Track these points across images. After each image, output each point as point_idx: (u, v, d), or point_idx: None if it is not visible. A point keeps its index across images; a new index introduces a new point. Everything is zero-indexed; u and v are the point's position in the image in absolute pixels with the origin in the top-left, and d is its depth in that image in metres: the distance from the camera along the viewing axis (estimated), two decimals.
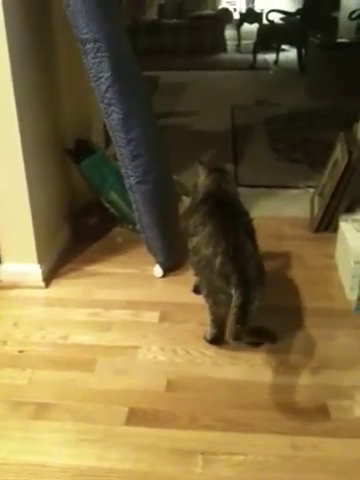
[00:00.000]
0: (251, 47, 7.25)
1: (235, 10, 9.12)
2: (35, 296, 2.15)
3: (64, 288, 2.20)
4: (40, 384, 1.69)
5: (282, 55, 7.40)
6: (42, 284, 2.19)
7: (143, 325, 1.96)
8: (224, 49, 8.36)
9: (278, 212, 2.83)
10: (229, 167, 2.14)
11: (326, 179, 2.72)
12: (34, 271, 2.18)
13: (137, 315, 2.02)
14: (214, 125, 4.48)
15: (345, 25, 6.10)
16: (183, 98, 5.55)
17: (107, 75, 1.90)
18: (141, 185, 2.07)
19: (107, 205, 2.55)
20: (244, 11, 8.96)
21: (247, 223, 1.80)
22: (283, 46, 7.54)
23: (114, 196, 2.51)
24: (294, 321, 1.94)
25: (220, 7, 8.91)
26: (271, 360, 1.76)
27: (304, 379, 1.68)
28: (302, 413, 1.55)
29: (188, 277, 2.06)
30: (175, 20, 8.39)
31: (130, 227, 2.57)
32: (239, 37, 8.63)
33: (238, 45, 8.60)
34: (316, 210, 2.68)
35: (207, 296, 1.74)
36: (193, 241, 1.77)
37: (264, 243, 1.86)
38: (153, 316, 2.00)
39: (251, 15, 8.66)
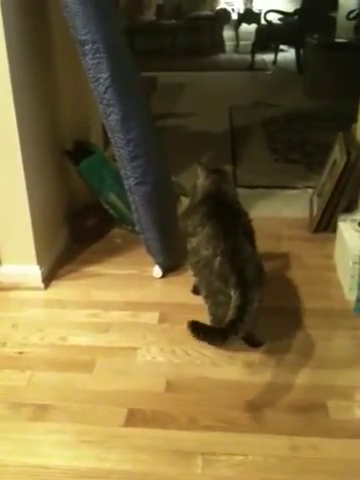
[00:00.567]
0: (249, 48, 7.25)
1: (233, 11, 9.10)
2: (34, 297, 2.15)
3: (63, 289, 2.20)
4: (39, 385, 1.69)
5: (280, 55, 7.41)
6: (41, 285, 2.19)
7: (142, 326, 1.96)
8: (222, 50, 8.36)
9: (277, 213, 2.83)
10: (228, 168, 2.15)
11: (325, 179, 2.72)
12: (33, 272, 2.18)
13: (136, 316, 2.02)
14: (212, 126, 4.48)
15: (343, 25, 6.12)
16: (181, 99, 5.56)
17: (105, 76, 1.90)
18: (140, 186, 2.07)
19: (106, 206, 2.56)
20: (242, 12, 8.95)
21: (246, 224, 1.81)
22: (281, 46, 7.54)
23: (113, 197, 2.51)
24: (293, 321, 1.95)
25: (218, 8, 8.90)
26: (270, 360, 1.76)
27: (303, 379, 1.68)
28: (301, 413, 1.55)
29: (187, 278, 2.06)
30: (173, 21, 8.39)
31: (129, 228, 2.57)
32: (237, 38, 8.63)
33: (236, 46, 8.61)
34: (315, 210, 2.68)
35: (206, 297, 1.75)
36: (192, 242, 1.78)
37: (263, 243, 1.86)
38: (152, 317, 2.00)
39: (249, 16, 8.66)
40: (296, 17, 7.08)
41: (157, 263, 2.26)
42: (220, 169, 2.02)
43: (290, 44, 7.25)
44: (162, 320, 1.99)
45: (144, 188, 2.07)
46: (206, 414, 1.56)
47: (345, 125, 2.83)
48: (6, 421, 1.56)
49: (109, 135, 2.02)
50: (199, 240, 1.73)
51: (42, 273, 2.20)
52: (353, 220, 2.31)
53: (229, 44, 8.59)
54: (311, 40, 5.60)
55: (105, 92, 1.92)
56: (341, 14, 6.21)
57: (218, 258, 1.62)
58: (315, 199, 2.77)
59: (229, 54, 8.31)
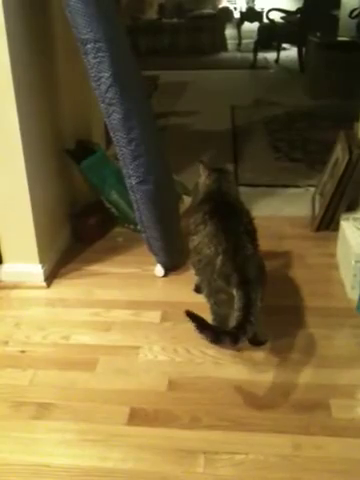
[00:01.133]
0: (251, 46, 7.23)
1: (235, 9, 9.09)
2: (36, 296, 2.16)
3: (65, 288, 2.21)
4: (41, 384, 1.69)
5: (283, 54, 7.39)
6: (43, 284, 2.20)
7: (144, 325, 1.96)
8: (224, 48, 8.35)
9: (278, 211, 2.83)
10: (230, 167, 2.14)
11: (327, 178, 2.72)
12: (35, 271, 2.18)
13: (138, 315, 2.02)
14: (214, 125, 4.47)
15: (345, 24, 6.10)
16: (183, 98, 5.55)
17: (107, 75, 1.90)
18: (142, 185, 2.07)
19: (108, 205, 2.56)
20: (244, 10, 8.92)
21: (248, 223, 1.80)
22: (283, 45, 7.52)
23: (115, 196, 2.51)
24: (295, 320, 1.94)
25: (220, 6, 8.89)
26: (272, 359, 1.76)
27: (305, 378, 1.68)
28: (304, 412, 1.55)
29: (189, 277, 2.06)
30: (175, 20, 8.38)
31: (131, 227, 2.58)
32: (239, 36, 8.61)
33: (238, 44, 8.58)
34: (317, 209, 2.68)
35: (208, 296, 1.75)
36: (194, 241, 1.78)
37: (265, 242, 1.85)
38: (154, 316, 2.01)
39: (251, 14, 8.64)
40: (298, 15, 7.06)
41: (159, 262, 2.26)
42: (222, 168, 2.01)
43: (292, 42, 7.23)
44: (164, 319, 1.99)
45: (146, 187, 2.07)
46: (208, 413, 1.56)
47: (347, 124, 2.82)
48: (8, 420, 1.56)
49: (111, 134, 2.02)
50: (201, 239, 1.73)
51: (44, 272, 2.20)
52: (355, 219, 2.31)
53: (231, 43, 8.57)
54: (313, 39, 5.59)
55: (107, 91, 1.92)
56: (343, 12, 6.20)
57: (220, 257, 1.62)
58: (317, 198, 2.77)
59: (231, 53, 8.30)
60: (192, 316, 1.50)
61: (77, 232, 2.56)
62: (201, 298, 1.82)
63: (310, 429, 1.49)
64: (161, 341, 1.87)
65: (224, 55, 8.14)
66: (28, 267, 2.18)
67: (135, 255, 2.42)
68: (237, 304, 1.54)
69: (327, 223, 2.57)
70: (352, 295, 2.05)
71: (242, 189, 3.13)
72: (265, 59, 7.42)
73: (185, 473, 1.38)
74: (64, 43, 2.30)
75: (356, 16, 6.00)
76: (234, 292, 1.57)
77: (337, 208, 2.52)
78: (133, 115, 1.99)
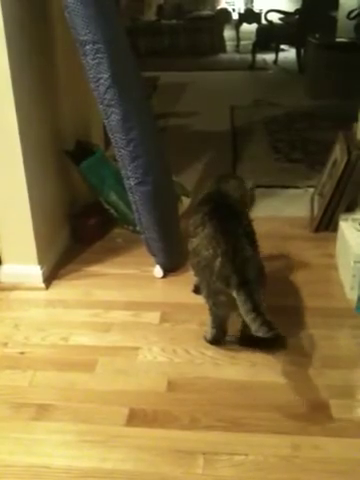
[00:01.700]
0: (250, 47, 7.24)
1: (234, 10, 9.09)
2: (35, 297, 2.15)
3: (64, 289, 2.21)
4: (41, 385, 1.69)
5: (281, 55, 7.40)
6: (42, 285, 2.20)
7: (143, 326, 1.96)
8: (223, 49, 8.35)
9: (278, 212, 2.83)
10: (240, 177, 2.12)
11: (326, 179, 2.72)
12: (34, 272, 2.18)
13: (137, 316, 2.02)
14: (214, 126, 4.48)
15: (344, 25, 6.10)
16: (182, 99, 5.55)
17: (106, 76, 1.90)
18: (141, 186, 2.07)
19: (107, 206, 2.56)
20: (243, 11, 8.94)
21: (247, 225, 1.80)
22: (282, 46, 7.53)
23: (114, 197, 2.51)
24: (294, 321, 1.95)
25: (219, 7, 8.90)
26: (271, 360, 1.76)
27: (305, 379, 1.68)
28: (303, 413, 1.55)
29: (188, 278, 2.06)
30: (174, 21, 8.38)
31: (130, 228, 2.58)
32: (238, 37, 8.61)
33: (237, 45, 8.59)
34: (316, 210, 2.68)
35: (207, 297, 1.74)
36: (193, 242, 1.78)
37: (264, 243, 1.85)
38: (153, 317, 2.01)
39: (250, 15, 8.64)
40: (297, 17, 7.07)
41: (158, 263, 2.26)
42: (226, 174, 2.02)
43: (291, 44, 7.24)
44: (163, 320, 1.99)
45: (145, 188, 2.07)
46: (207, 414, 1.56)
47: (346, 124, 2.83)
48: (8, 421, 1.56)
49: (110, 135, 2.02)
50: (200, 241, 1.73)
51: (43, 273, 2.20)
52: (354, 219, 2.31)
53: (230, 44, 8.57)
54: (312, 40, 5.59)
55: (106, 92, 1.92)
56: (342, 14, 6.20)
57: (219, 259, 1.62)
58: (316, 198, 2.77)
59: (230, 54, 8.30)
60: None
61: (76, 233, 2.56)
62: (200, 299, 1.82)
63: (309, 429, 1.49)
64: (160, 342, 1.87)
65: (223, 56, 8.14)
66: (27, 268, 2.18)
67: (134, 256, 2.42)
68: (245, 307, 1.53)
69: (326, 224, 2.58)
70: (351, 295, 2.05)
71: None
72: (264, 60, 7.43)
73: (184, 474, 1.38)
74: (63, 44, 2.30)
75: (354, 17, 6.01)
76: (234, 294, 1.57)
77: (336, 209, 2.53)
78: (132, 116, 1.99)
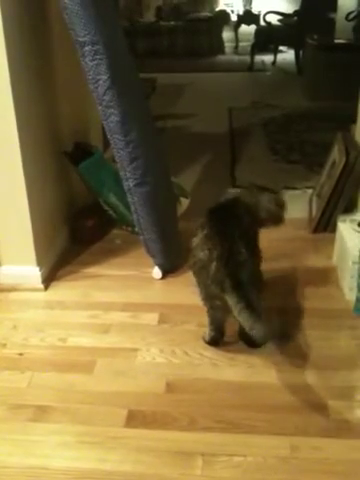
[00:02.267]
0: (249, 49, 7.25)
1: (232, 12, 9.12)
2: (34, 298, 2.15)
3: (63, 290, 2.21)
4: (39, 387, 1.69)
5: (280, 57, 7.41)
6: (41, 286, 2.19)
7: (142, 327, 1.96)
8: (222, 51, 8.37)
9: None
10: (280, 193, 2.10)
11: (324, 180, 2.72)
12: (33, 273, 2.18)
13: (136, 317, 2.02)
14: (212, 127, 4.48)
15: (342, 26, 6.12)
16: (181, 100, 5.56)
17: (105, 77, 1.90)
18: (140, 187, 2.07)
19: (106, 207, 2.56)
20: (241, 13, 8.96)
21: (247, 228, 1.78)
22: (281, 47, 7.54)
23: (113, 198, 2.51)
24: (293, 322, 1.95)
25: (217, 9, 8.91)
26: (270, 361, 1.76)
27: (303, 380, 1.68)
28: (301, 414, 1.55)
29: (187, 279, 2.05)
30: (173, 22, 8.40)
31: (129, 229, 2.58)
32: (237, 39, 8.63)
33: (236, 47, 8.61)
34: (314, 211, 2.68)
35: (204, 300, 1.74)
36: (193, 242, 1.77)
37: (262, 244, 1.85)
38: (152, 318, 2.00)
39: (248, 17, 8.66)
40: (295, 18, 7.09)
41: (157, 264, 2.27)
42: (259, 186, 2.00)
43: (289, 45, 7.26)
44: (162, 321, 1.99)
45: (144, 189, 2.07)
46: (206, 415, 1.56)
47: (344, 125, 2.83)
48: (6, 422, 1.56)
49: (108, 136, 2.02)
50: (198, 241, 1.73)
51: (42, 274, 2.20)
52: (352, 220, 2.31)
53: (228, 45, 8.60)
54: (310, 41, 5.61)
55: (105, 94, 1.92)
56: (340, 15, 6.21)
57: (214, 263, 1.62)
58: (314, 199, 2.77)
59: (228, 55, 8.32)
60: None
61: (75, 234, 2.56)
62: (199, 301, 1.81)
63: (308, 430, 1.49)
64: (159, 343, 1.87)
65: (221, 58, 8.16)
66: (26, 269, 2.18)
67: (133, 257, 2.42)
68: (238, 306, 1.53)
69: (324, 225, 2.58)
70: (350, 296, 2.05)
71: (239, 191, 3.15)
72: (262, 62, 7.44)
73: (183, 475, 1.38)
74: (62, 45, 2.30)
75: (353, 18, 6.02)
76: (227, 298, 1.56)
77: (334, 210, 2.53)
78: (131, 117, 1.99)
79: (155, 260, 2.26)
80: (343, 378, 1.69)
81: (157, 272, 2.27)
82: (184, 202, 2.71)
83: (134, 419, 1.55)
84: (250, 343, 1.78)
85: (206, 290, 1.69)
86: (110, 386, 1.68)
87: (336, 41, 5.87)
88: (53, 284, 2.24)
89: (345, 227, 2.27)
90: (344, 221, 2.32)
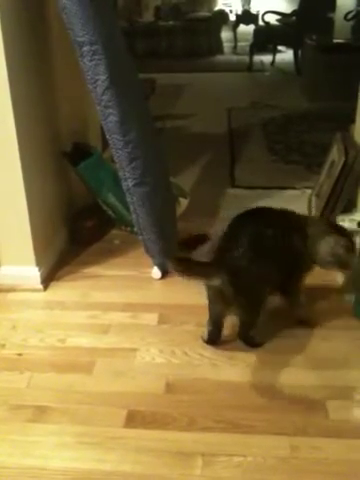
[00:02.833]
0: (247, 49, 7.26)
1: (231, 12, 9.13)
2: (33, 299, 2.15)
3: (62, 291, 2.20)
4: (38, 387, 1.69)
5: (278, 56, 7.42)
6: (40, 287, 2.19)
7: (141, 327, 1.96)
8: (220, 51, 8.37)
9: None
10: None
11: (323, 180, 2.72)
12: (32, 274, 2.18)
13: (135, 317, 2.02)
14: (211, 127, 4.48)
15: (341, 26, 6.12)
16: (180, 100, 5.56)
17: (104, 78, 1.89)
18: (139, 187, 2.07)
19: (105, 207, 2.56)
20: (240, 13, 8.97)
21: (277, 246, 1.71)
22: (279, 47, 7.55)
23: (112, 198, 2.51)
24: (292, 322, 1.94)
25: (216, 9, 8.92)
26: (269, 361, 1.76)
27: (302, 380, 1.68)
28: (301, 414, 1.55)
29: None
30: (171, 22, 8.40)
31: (128, 229, 2.57)
32: (235, 39, 8.64)
33: (234, 47, 8.62)
34: (313, 211, 2.68)
35: (206, 293, 1.76)
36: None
37: None
38: (151, 318, 2.00)
39: (247, 17, 8.68)
40: (294, 18, 7.09)
41: (156, 264, 2.26)
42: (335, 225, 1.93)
43: (288, 45, 7.26)
44: (161, 321, 1.99)
45: (143, 189, 2.07)
46: (206, 415, 1.56)
47: (343, 125, 2.83)
48: (5, 423, 1.56)
49: (107, 137, 2.02)
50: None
51: (41, 274, 2.20)
52: (351, 220, 2.31)
53: (227, 45, 8.60)
54: (309, 41, 5.61)
55: (103, 94, 1.92)
56: (339, 15, 6.22)
57: (212, 255, 1.65)
58: (313, 199, 2.77)
59: (227, 55, 8.32)
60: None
61: (74, 235, 2.56)
62: (198, 300, 1.82)
63: (308, 430, 1.49)
64: (158, 343, 1.87)
65: (220, 58, 8.17)
66: (25, 270, 2.18)
67: (132, 257, 2.42)
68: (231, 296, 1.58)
69: None
70: (349, 297, 2.05)
71: (239, 191, 3.16)
72: (261, 62, 7.45)
73: (183, 475, 1.38)
74: (61, 45, 2.30)
75: (351, 18, 6.03)
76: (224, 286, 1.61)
77: (333, 210, 2.52)
78: (130, 118, 1.99)
79: (154, 260, 2.26)
80: (342, 378, 1.69)
81: (156, 272, 2.27)
82: (183, 202, 2.71)
83: (133, 419, 1.55)
84: (250, 343, 1.79)
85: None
86: (109, 386, 1.68)
87: (335, 41, 5.87)
88: (52, 284, 2.24)
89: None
90: (343, 221, 2.32)
